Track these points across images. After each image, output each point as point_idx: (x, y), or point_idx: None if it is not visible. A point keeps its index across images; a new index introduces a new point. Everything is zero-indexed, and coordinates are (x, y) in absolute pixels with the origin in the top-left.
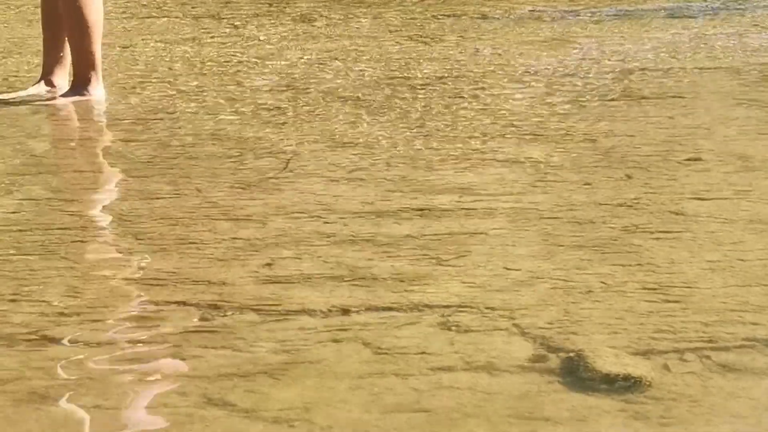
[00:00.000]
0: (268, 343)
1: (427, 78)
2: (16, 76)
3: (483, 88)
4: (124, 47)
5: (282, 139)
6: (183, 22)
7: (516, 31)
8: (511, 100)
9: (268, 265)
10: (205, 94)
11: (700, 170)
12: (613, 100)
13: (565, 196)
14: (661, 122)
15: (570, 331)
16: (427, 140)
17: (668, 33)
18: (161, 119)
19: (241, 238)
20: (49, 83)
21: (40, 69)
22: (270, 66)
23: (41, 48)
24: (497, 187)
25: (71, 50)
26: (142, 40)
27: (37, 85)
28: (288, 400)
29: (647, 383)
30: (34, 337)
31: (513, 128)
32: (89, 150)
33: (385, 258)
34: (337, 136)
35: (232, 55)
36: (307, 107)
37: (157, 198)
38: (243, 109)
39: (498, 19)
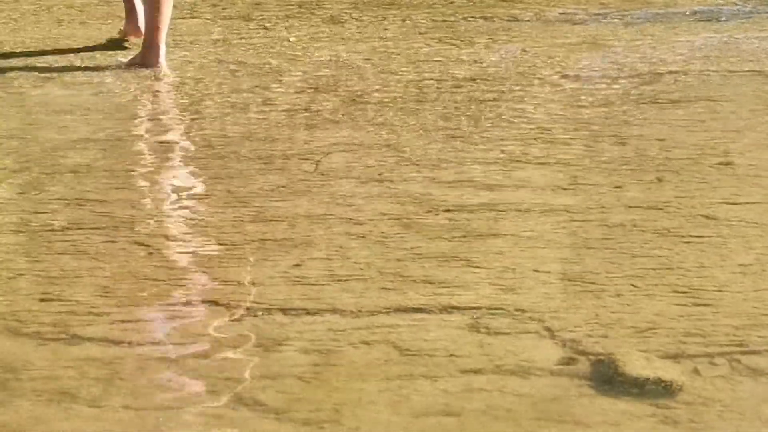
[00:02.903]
0: (298, 343)
1: (457, 80)
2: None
3: (513, 91)
4: None
5: (312, 141)
6: (213, 23)
7: (546, 34)
8: (541, 103)
9: (298, 265)
10: (234, 95)
11: (730, 174)
12: (643, 103)
13: (595, 198)
14: (691, 126)
15: (600, 335)
16: (457, 142)
17: (699, 36)
18: (192, 119)
19: (270, 239)
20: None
21: (71, 66)
22: (300, 67)
23: (73, 45)
24: (527, 190)
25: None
26: (173, 41)
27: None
28: (317, 402)
29: (677, 387)
30: (64, 336)
31: (543, 130)
32: (118, 151)
33: (414, 259)
34: (367, 138)
35: (262, 57)
36: (337, 109)
37: (187, 198)
38: (272, 111)
39: (528, 21)
